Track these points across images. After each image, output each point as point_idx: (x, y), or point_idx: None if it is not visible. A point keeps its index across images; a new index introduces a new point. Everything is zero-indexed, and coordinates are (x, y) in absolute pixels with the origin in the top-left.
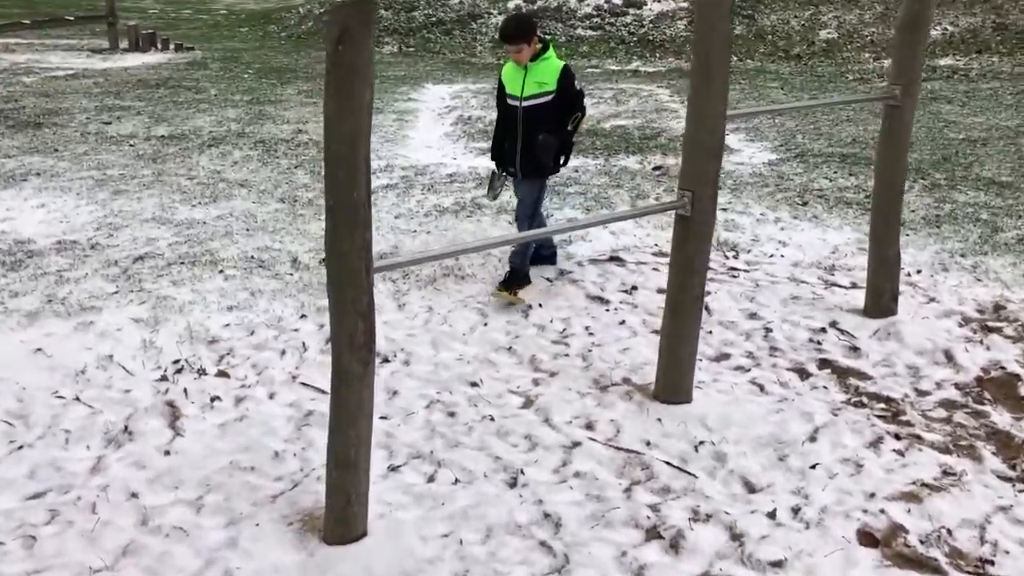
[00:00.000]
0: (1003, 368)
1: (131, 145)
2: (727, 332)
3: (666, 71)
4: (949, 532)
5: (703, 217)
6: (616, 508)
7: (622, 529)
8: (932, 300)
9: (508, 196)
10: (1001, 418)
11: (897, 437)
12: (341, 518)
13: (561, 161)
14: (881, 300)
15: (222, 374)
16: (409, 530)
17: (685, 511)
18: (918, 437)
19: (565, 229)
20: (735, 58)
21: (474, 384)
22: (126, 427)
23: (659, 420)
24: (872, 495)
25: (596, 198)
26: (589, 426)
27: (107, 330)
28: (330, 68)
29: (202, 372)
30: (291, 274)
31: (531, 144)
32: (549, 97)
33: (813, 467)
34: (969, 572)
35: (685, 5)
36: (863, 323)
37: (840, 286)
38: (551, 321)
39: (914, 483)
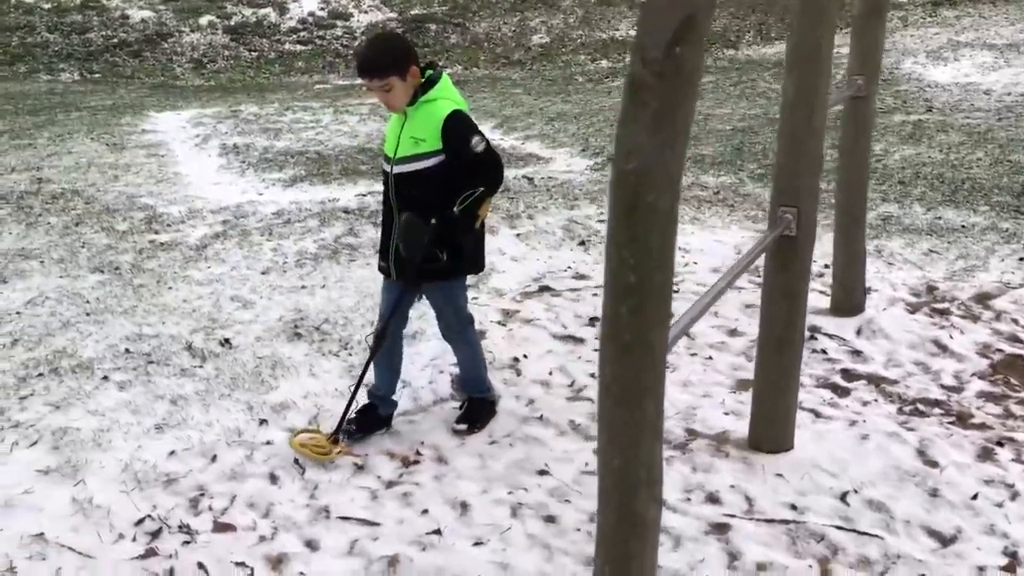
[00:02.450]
0: (1000, 350)
1: None
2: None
3: None
4: None
5: (808, 236)
6: None
7: None
8: (871, 290)
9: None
10: None
11: (999, 444)
12: None
13: (443, 255)
14: (853, 296)
15: (222, 527)
16: None
17: None
18: (1012, 440)
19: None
20: (460, 67)
21: (542, 472)
22: None
23: (780, 476)
24: None
25: None
26: (712, 499)
27: (11, 496)
28: (654, 83)
29: (188, 530)
30: (199, 366)
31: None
32: (431, 161)
33: (974, 498)
34: None
35: (393, 15)
36: (841, 323)
37: None
38: (550, 373)
39: None
